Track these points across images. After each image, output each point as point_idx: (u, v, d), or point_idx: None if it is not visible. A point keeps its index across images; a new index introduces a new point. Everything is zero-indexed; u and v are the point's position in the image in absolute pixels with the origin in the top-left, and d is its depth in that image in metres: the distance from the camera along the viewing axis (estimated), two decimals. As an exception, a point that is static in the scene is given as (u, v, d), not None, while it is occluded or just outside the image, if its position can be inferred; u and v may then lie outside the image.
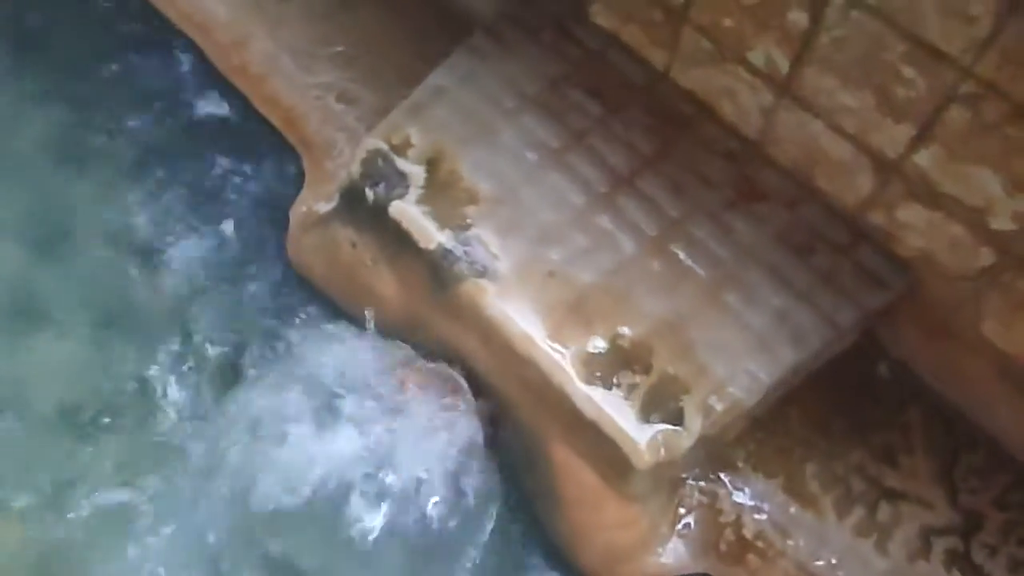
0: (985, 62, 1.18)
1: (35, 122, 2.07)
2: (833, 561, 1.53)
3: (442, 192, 1.56)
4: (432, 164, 1.59)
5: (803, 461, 1.61)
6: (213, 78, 2.08)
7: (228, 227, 1.93)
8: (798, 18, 1.37)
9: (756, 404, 1.44)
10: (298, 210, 1.86)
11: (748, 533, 1.56)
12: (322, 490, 1.42)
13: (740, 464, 1.60)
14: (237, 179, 2.00)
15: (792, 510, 1.57)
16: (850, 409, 1.66)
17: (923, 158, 1.36)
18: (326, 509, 1.42)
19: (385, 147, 1.60)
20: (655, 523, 1.54)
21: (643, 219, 1.55)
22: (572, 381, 1.40)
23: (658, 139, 1.63)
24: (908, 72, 1.28)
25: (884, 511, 1.57)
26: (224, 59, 2.07)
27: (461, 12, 2.01)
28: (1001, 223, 1.32)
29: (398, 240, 1.55)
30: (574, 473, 1.48)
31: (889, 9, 1.24)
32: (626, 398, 1.39)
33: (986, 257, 1.39)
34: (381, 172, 1.58)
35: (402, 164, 1.58)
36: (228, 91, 2.06)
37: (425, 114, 1.64)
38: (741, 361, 1.43)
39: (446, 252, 1.49)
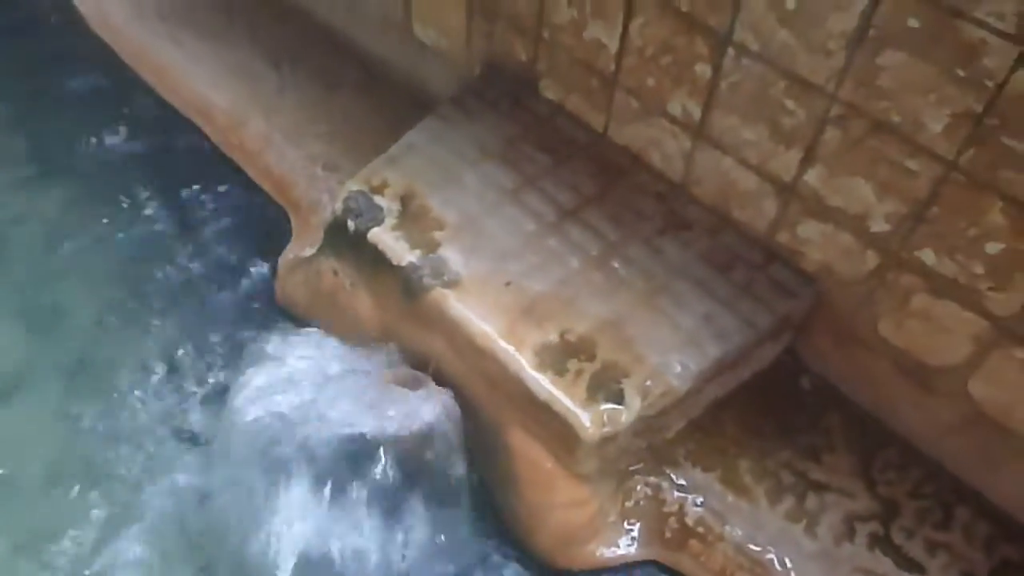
0: (845, 87, 1.50)
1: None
2: (767, 544, 1.68)
3: (413, 222, 1.81)
4: (405, 200, 1.85)
5: (737, 458, 1.78)
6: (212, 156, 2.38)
7: (222, 277, 2.16)
8: (703, 70, 1.70)
9: (687, 392, 1.64)
10: (286, 257, 2.10)
11: (690, 521, 1.71)
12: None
13: (681, 460, 1.77)
14: (231, 237, 2.24)
15: (729, 499, 1.73)
16: (778, 416, 1.85)
17: (811, 177, 1.65)
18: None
19: (365, 188, 1.87)
20: (604, 510, 1.69)
21: (586, 242, 1.80)
22: (525, 368, 1.60)
23: (599, 183, 1.92)
24: (790, 104, 1.60)
25: (811, 500, 1.74)
26: (224, 139, 2.37)
27: (429, 98, 2.35)
28: (878, 225, 1.60)
29: (374, 262, 1.78)
30: (529, 456, 1.64)
31: (769, 54, 1.57)
32: (573, 381, 1.59)
33: (871, 260, 1.65)
34: (361, 208, 1.83)
35: (379, 200, 1.84)
36: (225, 165, 2.35)
37: (399, 163, 1.92)
38: (673, 353, 1.65)
39: (416, 267, 1.73)
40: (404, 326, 1.77)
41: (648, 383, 1.61)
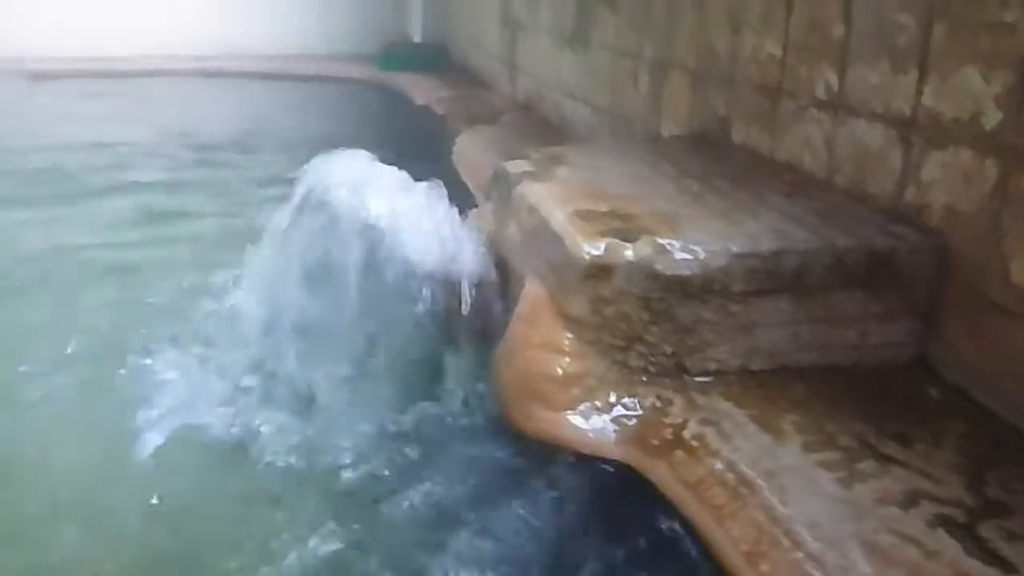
0: (943, -33, 1.40)
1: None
2: (768, 469, 1.22)
3: (547, 161, 1.98)
4: (552, 156, 2.04)
5: (788, 412, 1.38)
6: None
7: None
8: (838, 31, 1.70)
9: (719, 269, 1.41)
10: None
11: (687, 435, 1.34)
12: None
13: (715, 395, 1.44)
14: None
15: (748, 428, 1.33)
16: (872, 401, 1.41)
17: (927, 97, 1.46)
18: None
19: (531, 152, 2.12)
20: (589, 386, 1.43)
21: (694, 185, 1.76)
22: (555, 213, 1.57)
23: (739, 170, 1.88)
24: (903, 18, 1.51)
25: (867, 465, 1.24)
26: (465, 167, 2.88)
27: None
28: (991, 118, 1.32)
29: (502, 183, 1.97)
30: (531, 296, 1.53)
31: (883, -27, 1.55)
32: (593, 225, 1.51)
33: (991, 172, 1.33)
34: (515, 157, 2.08)
35: (533, 154, 2.07)
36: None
37: (571, 145, 2.15)
38: (717, 236, 1.46)
39: (523, 174, 1.87)
40: (500, 224, 1.87)
41: (672, 244, 1.44)
